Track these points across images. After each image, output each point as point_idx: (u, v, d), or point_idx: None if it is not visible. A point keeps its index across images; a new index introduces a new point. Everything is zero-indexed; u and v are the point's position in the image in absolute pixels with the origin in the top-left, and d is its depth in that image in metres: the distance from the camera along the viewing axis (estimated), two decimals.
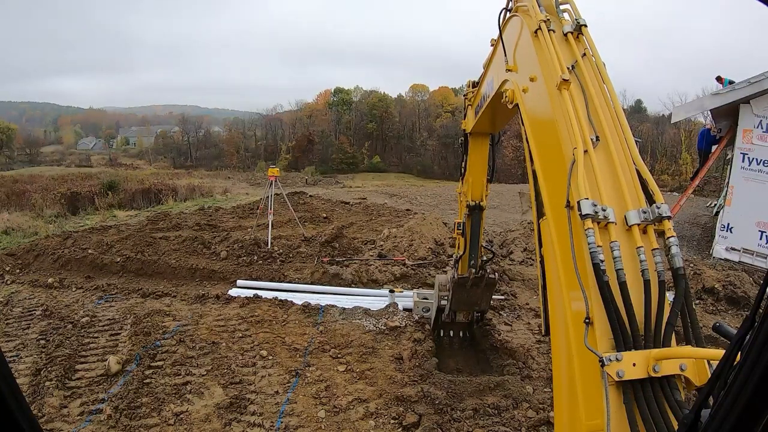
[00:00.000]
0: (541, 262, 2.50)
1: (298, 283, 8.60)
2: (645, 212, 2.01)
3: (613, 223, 1.99)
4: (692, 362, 1.73)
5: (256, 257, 9.75)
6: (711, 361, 1.69)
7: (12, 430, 0.77)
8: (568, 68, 2.44)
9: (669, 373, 1.72)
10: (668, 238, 1.95)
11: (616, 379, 1.70)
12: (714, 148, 13.08)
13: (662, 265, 1.91)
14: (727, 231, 10.92)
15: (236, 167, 56.21)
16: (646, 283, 1.88)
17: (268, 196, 11.04)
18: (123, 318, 7.00)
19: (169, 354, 5.91)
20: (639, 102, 56.78)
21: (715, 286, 8.55)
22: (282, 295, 7.74)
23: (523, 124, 2.87)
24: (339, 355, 5.98)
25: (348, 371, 5.64)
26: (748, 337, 0.72)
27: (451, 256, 8.31)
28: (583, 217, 1.95)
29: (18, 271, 9.33)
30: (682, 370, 1.72)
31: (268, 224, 10.63)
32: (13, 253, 10.03)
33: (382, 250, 10.48)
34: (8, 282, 8.79)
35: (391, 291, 7.73)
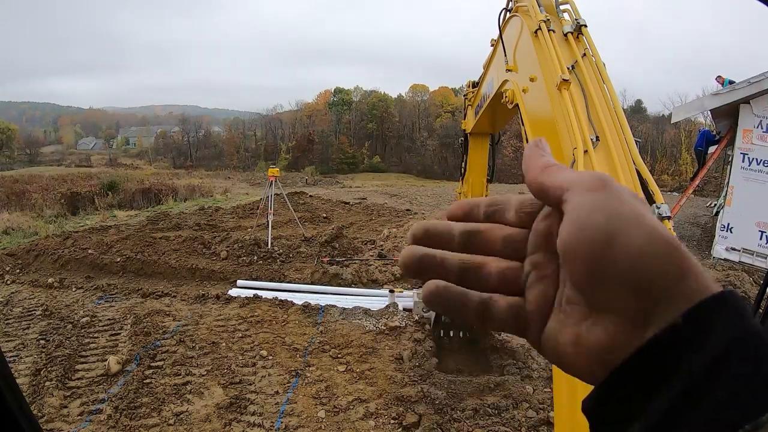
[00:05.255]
0: None
1: (298, 283, 8.60)
2: None
3: None
4: None
5: (256, 257, 9.75)
6: None
7: (12, 430, 0.76)
8: (568, 68, 2.44)
9: None
10: None
11: None
12: (713, 148, 13.12)
13: None
14: (727, 231, 10.92)
15: (236, 167, 56.09)
16: None
17: (268, 196, 11.04)
18: (123, 318, 7.00)
19: (169, 354, 5.91)
20: (639, 102, 56.68)
21: None
22: (282, 295, 7.73)
23: (523, 125, 2.88)
24: (339, 355, 5.98)
25: (348, 371, 5.63)
26: None
27: None
28: None
29: (18, 271, 9.34)
30: None
31: (268, 224, 10.63)
32: (13, 253, 10.04)
33: (382, 250, 10.49)
34: (8, 282, 8.80)
35: (391, 291, 7.72)
